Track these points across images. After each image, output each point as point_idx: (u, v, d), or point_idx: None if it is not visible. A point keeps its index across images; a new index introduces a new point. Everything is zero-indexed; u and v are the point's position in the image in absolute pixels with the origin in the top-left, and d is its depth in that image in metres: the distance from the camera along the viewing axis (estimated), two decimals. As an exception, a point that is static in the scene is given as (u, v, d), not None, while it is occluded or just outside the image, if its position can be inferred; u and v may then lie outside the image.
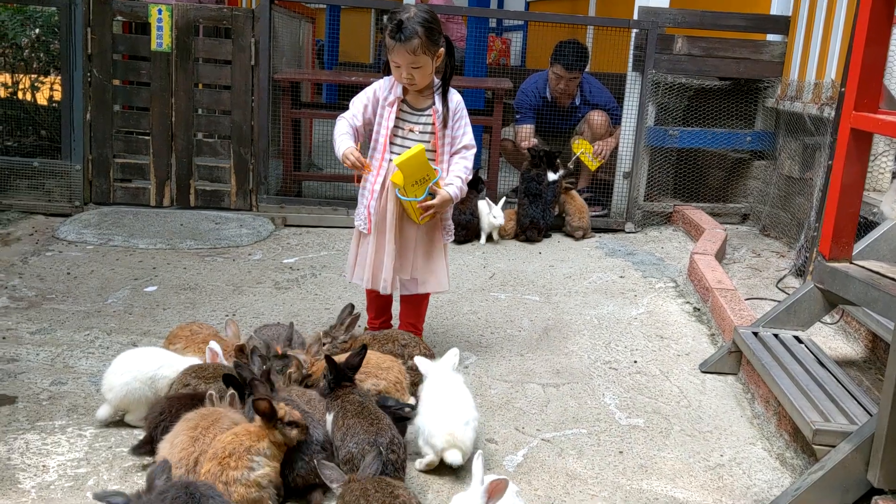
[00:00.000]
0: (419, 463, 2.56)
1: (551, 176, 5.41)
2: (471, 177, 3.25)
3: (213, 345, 2.84)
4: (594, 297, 4.29)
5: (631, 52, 5.60)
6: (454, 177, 3.17)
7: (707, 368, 3.43)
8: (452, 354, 2.82)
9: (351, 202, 5.57)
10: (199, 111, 5.47)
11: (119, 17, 5.36)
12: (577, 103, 5.93)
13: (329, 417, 2.52)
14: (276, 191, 5.59)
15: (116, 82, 5.39)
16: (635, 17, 5.52)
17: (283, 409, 2.25)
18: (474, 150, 3.25)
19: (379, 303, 3.43)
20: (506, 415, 2.97)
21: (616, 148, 5.73)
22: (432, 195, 3.08)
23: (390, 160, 3.12)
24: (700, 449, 2.81)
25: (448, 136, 3.20)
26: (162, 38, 5.22)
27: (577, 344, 3.66)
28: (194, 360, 2.82)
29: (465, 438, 2.51)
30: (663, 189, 5.87)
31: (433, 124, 3.16)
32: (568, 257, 5.03)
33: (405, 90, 3.18)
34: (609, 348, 3.64)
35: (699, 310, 4.10)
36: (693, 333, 3.84)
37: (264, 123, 5.36)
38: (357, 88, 7.09)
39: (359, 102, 3.22)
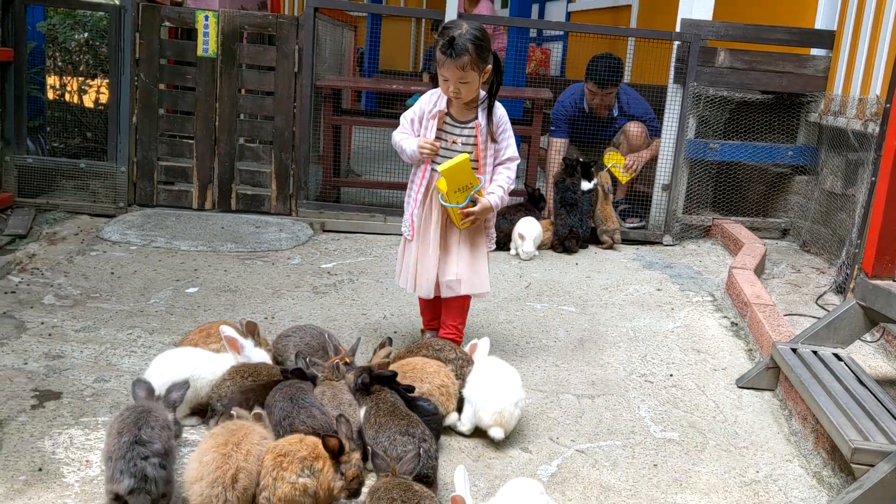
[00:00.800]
0: (459, 426, 2.84)
1: (586, 185, 5.42)
2: (513, 186, 3.36)
3: (226, 329, 2.90)
4: (630, 310, 4.28)
5: (672, 64, 5.58)
6: (496, 186, 3.28)
7: (744, 384, 3.40)
8: (484, 343, 3.06)
9: (388, 209, 5.62)
10: (242, 116, 5.56)
11: (166, 23, 5.47)
12: (615, 114, 5.92)
13: (361, 412, 2.59)
14: (316, 196, 5.65)
15: (162, 86, 5.50)
16: (678, 29, 5.50)
17: (352, 458, 2.26)
18: (517, 162, 3.36)
19: (432, 305, 3.54)
20: (540, 424, 2.98)
21: (654, 160, 5.71)
22: (474, 203, 3.21)
23: (433, 169, 3.25)
24: (735, 464, 2.79)
25: (491, 147, 3.30)
26: (208, 43, 5.32)
27: (613, 356, 3.66)
28: (230, 359, 2.87)
29: (512, 419, 2.78)
30: (702, 202, 5.83)
31: (476, 136, 3.25)
32: (605, 268, 5.01)
33: (449, 103, 3.27)
34: (645, 361, 3.63)
35: (737, 325, 4.07)
36: (730, 348, 3.81)
37: (306, 129, 5.43)
38: (396, 96, 7.13)
39: (407, 118, 3.34)
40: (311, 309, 3.98)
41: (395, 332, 3.74)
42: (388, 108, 7.03)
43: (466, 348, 3.13)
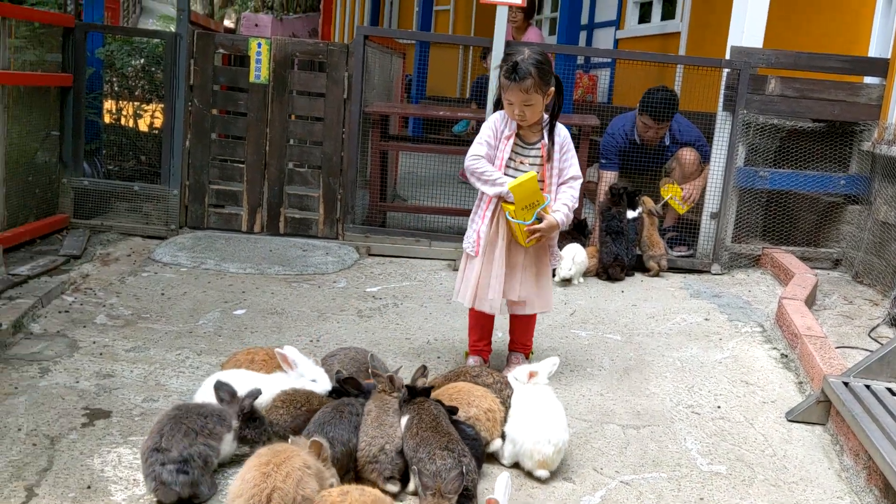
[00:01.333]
0: (503, 459, 2.82)
1: (631, 213, 5.39)
2: (577, 205, 3.44)
3: (288, 349, 2.98)
4: (677, 339, 4.23)
5: (722, 91, 5.53)
6: (561, 204, 3.37)
7: (794, 417, 3.33)
8: (551, 363, 3.05)
9: (433, 234, 5.64)
10: (292, 141, 5.65)
11: (220, 50, 5.60)
12: (667, 143, 5.88)
13: (403, 420, 2.62)
14: (362, 220, 5.71)
15: (215, 112, 5.62)
16: (727, 56, 5.46)
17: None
18: (580, 181, 3.45)
19: (481, 326, 3.60)
20: (584, 454, 2.95)
21: (704, 188, 5.66)
22: (540, 220, 3.29)
23: None
24: (784, 500, 2.73)
25: (556, 167, 3.39)
26: (260, 70, 5.43)
27: (659, 386, 3.61)
28: (280, 381, 2.90)
29: (554, 462, 2.74)
30: (752, 231, 5.75)
31: (542, 157, 3.36)
32: (651, 297, 4.96)
33: (518, 125, 3.35)
34: (692, 392, 3.57)
35: (787, 356, 3.99)
36: (780, 381, 3.74)
37: (354, 155, 5.50)
38: (443, 122, 7.15)
39: (486, 137, 3.39)
40: (356, 332, 4.01)
41: (439, 358, 3.75)
42: (435, 133, 7.09)
43: (525, 374, 3.06)
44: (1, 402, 2.99)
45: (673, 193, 5.62)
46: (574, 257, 5.08)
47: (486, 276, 3.39)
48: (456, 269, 5.21)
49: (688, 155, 5.75)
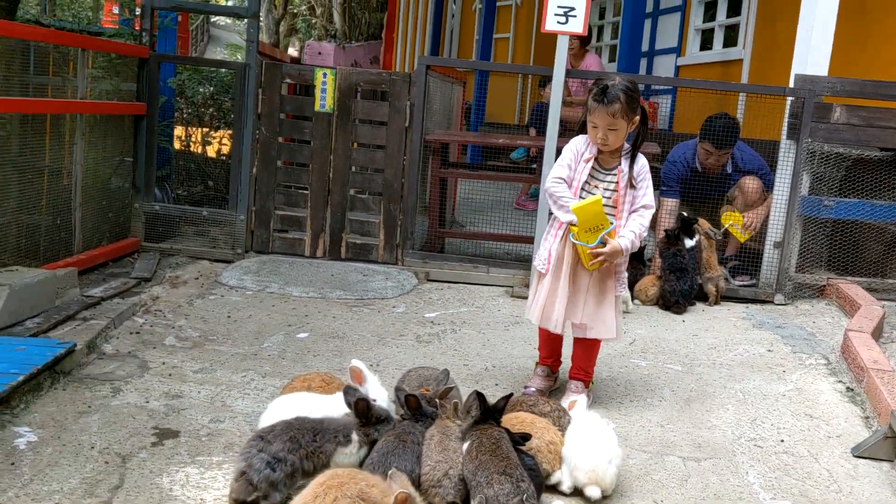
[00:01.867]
0: (561, 485, 2.81)
1: (689, 242, 5.35)
2: (645, 233, 3.45)
3: (356, 362, 3.05)
4: (739, 371, 4.17)
5: (786, 119, 5.47)
6: (628, 231, 3.39)
7: (860, 453, 3.26)
8: (582, 400, 3.13)
9: (491, 260, 5.68)
10: (354, 168, 5.76)
11: (287, 80, 5.76)
12: (729, 171, 5.83)
13: (465, 446, 2.64)
14: (421, 246, 5.78)
15: (281, 140, 5.77)
16: (791, 84, 5.41)
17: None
18: (652, 210, 3.48)
19: (550, 343, 3.67)
20: (644, 486, 2.93)
21: (767, 216, 5.59)
22: (604, 244, 3.30)
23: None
24: (851, 539, 2.67)
25: (630, 194, 3.42)
26: (325, 99, 5.57)
27: (721, 418, 3.57)
28: (340, 402, 2.96)
29: (606, 476, 2.74)
30: (816, 261, 5.64)
31: (617, 183, 3.39)
32: (712, 326, 4.91)
33: (599, 150, 3.41)
34: (754, 425, 3.52)
35: (853, 390, 3.91)
36: (845, 415, 3.66)
37: (414, 182, 5.58)
38: (502, 150, 7.16)
39: (567, 160, 3.47)
40: (415, 357, 4.05)
41: (497, 384, 3.77)
42: (493, 159, 7.14)
43: (565, 405, 3.14)
44: (75, 420, 3.11)
45: (734, 221, 5.57)
46: (640, 291, 5.02)
47: (552, 295, 3.45)
48: (514, 296, 5.26)
49: (750, 183, 5.69)
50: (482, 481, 2.46)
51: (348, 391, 2.83)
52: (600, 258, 3.33)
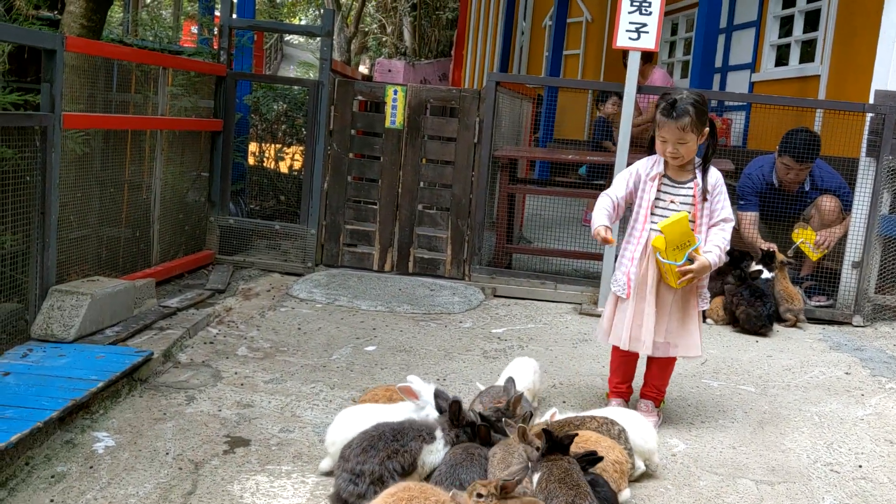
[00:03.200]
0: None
1: (767, 274, 5.23)
2: (728, 247, 3.40)
3: (412, 378, 3.07)
4: (815, 393, 4.05)
5: (865, 136, 5.31)
6: (713, 245, 3.35)
7: (945, 482, 3.13)
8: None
9: (558, 276, 5.65)
10: (423, 184, 5.81)
11: (358, 97, 5.85)
12: (807, 188, 5.68)
13: (535, 478, 2.59)
14: (488, 262, 5.78)
15: (351, 155, 5.86)
16: (871, 100, 5.26)
17: None
18: (732, 223, 3.43)
19: (625, 368, 3.61)
20: (715, 508, 2.87)
21: (844, 236, 5.43)
22: (691, 261, 3.27)
23: (652, 228, 3.36)
24: (935, 571, 2.56)
25: (707, 208, 3.39)
26: (395, 116, 5.64)
27: (795, 441, 3.47)
28: (405, 411, 2.98)
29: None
30: (897, 282, 5.46)
31: (693, 196, 3.37)
32: (787, 348, 4.78)
33: (666, 165, 3.40)
34: (831, 449, 3.41)
35: (937, 417, 3.76)
36: (929, 442, 3.52)
37: (482, 197, 5.60)
38: (570, 166, 7.13)
39: (622, 178, 3.50)
40: (481, 373, 4.05)
41: (564, 402, 3.74)
42: (562, 175, 7.11)
43: (546, 417, 3.05)
44: (151, 427, 3.20)
45: (805, 238, 5.41)
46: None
47: (638, 317, 3.41)
48: (582, 313, 5.21)
49: (828, 203, 5.54)
50: None
51: (439, 394, 2.88)
52: (689, 276, 3.29)
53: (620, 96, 7.66)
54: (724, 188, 3.42)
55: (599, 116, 8.19)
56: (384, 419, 2.89)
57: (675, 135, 3.28)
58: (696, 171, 3.41)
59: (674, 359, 3.53)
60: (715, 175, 3.42)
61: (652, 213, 3.40)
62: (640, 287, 3.41)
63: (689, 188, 3.39)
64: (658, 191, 3.41)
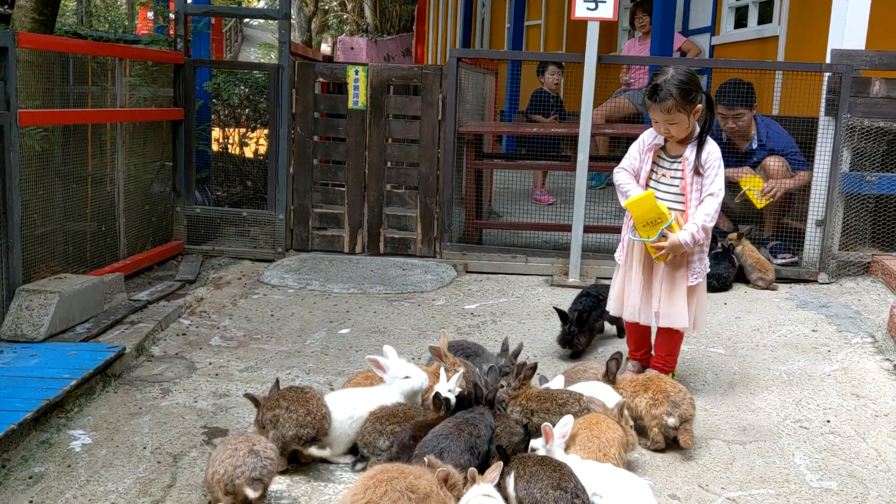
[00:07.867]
0: None
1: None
2: (712, 223, 3.37)
3: (388, 348, 3.14)
4: (783, 352, 4.14)
5: (823, 96, 5.38)
6: (691, 223, 3.36)
7: (910, 432, 3.22)
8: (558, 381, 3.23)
9: (529, 249, 5.69)
10: (389, 164, 5.80)
11: (320, 79, 5.81)
12: (754, 147, 5.74)
13: (510, 477, 2.52)
14: (459, 238, 5.80)
15: (316, 138, 5.83)
16: (828, 60, 5.32)
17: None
18: (718, 199, 3.37)
19: (636, 335, 3.69)
20: (689, 471, 2.93)
21: (802, 191, 5.50)
22: (666, 238, 3.32)
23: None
24: (901, 519, 2.65)
25: (697, 182, 3.40)
26: (358, 96, 5.61)
27: (765, 400, 3.55)
28: (382, 392, 3.01)
29: None
30: (860, 238, 5.55)
31: (682, 170, 3.39)
32: (755, 308, 4.87)
33: (665, 138, 3.45)
34: (800, 406, 3.50)
35: (901, 368, 3.86)
36: (893, 393, 3.61)
37: (449, 174, 5.61)
38: (537, 139, 7.18)
39: (633, 150, 3.55)
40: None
41: (539, 374, 3.77)
42: (527, 149, 7.12)
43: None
44: (127, 422, 3.20)
45: (752, 185, 5.44)
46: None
47: (627, 284, 3.52)
48: (553, 285, 5.26)
49: (774, 163, 5.58)
50: (536, 495, 2.40)
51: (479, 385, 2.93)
52: (662, 252, 3.35)
53: (560, 66, 7.71)
54: (718, 162, 3.38)
55: (539, 88, 8.17)
56: (361, 402, 2.92)
57: (662, 116, 3.33)
58: (690, 146, 3.40)
59: (680, 331, 3.54)
60: (708, 149, 3.39)
61: (647, 186, 3.47)
62: (630, 255, 3.53)
63: (679, 162, 3.42)
64: (653, 163, 3.48)
